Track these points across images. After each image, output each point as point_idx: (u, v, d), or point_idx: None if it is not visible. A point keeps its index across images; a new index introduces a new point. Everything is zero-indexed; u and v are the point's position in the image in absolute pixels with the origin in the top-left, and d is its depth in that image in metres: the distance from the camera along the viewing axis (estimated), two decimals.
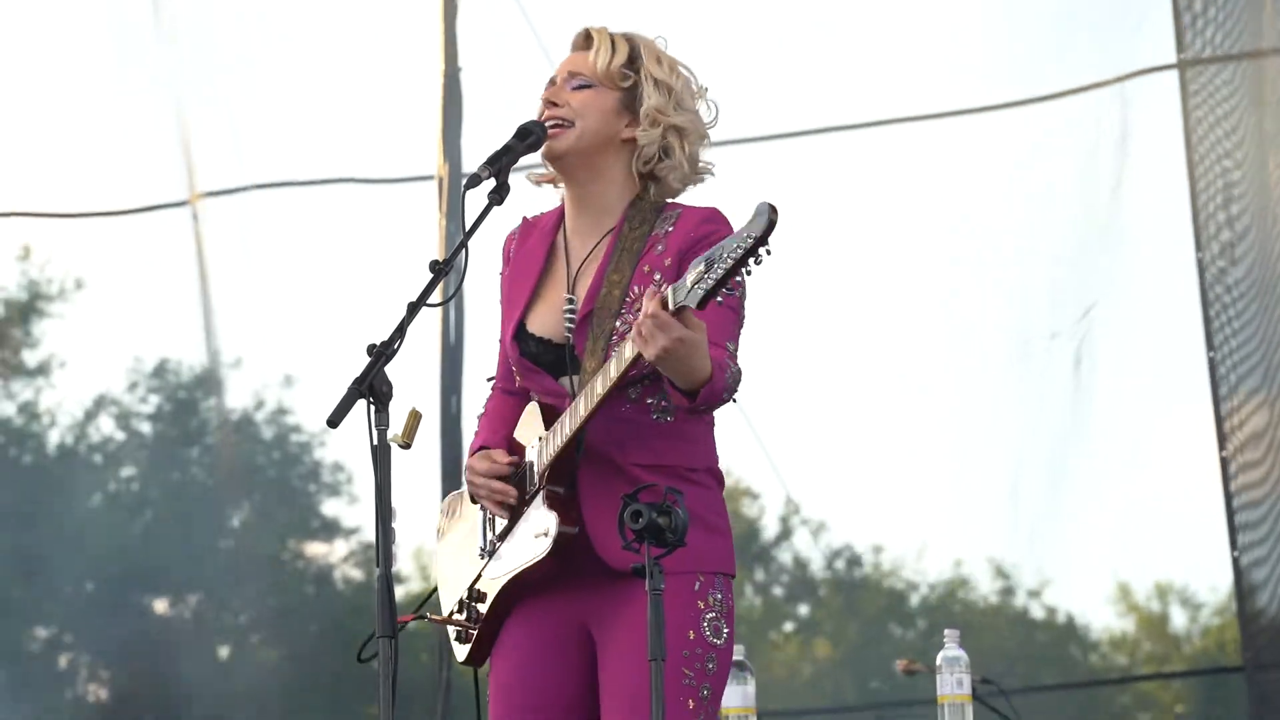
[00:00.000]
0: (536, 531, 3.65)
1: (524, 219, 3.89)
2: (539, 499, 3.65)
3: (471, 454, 3.82)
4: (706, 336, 3.43)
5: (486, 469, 3.73)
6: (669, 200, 3.75)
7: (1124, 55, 7.85)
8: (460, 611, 3.80)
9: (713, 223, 3.66)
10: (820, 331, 8.66)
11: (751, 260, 3.32)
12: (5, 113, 9.41)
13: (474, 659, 3.80)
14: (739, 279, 3.36)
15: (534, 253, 3.81)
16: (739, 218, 3.43)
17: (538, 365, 3.72)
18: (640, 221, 3.69)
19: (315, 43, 8.96)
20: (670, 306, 3.38)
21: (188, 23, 8.73)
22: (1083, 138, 8.13)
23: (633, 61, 3.74)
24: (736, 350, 3.61)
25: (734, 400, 3.58)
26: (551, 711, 3.70)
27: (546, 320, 3.74)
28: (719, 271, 3.32)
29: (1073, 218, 8.25)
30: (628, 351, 3.48)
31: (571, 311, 3.70)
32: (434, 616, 3.86)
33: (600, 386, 3.54)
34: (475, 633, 3.77)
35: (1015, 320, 8.44)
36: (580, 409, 3.58)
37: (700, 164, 3.77)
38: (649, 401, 3.63)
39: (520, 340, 3.76)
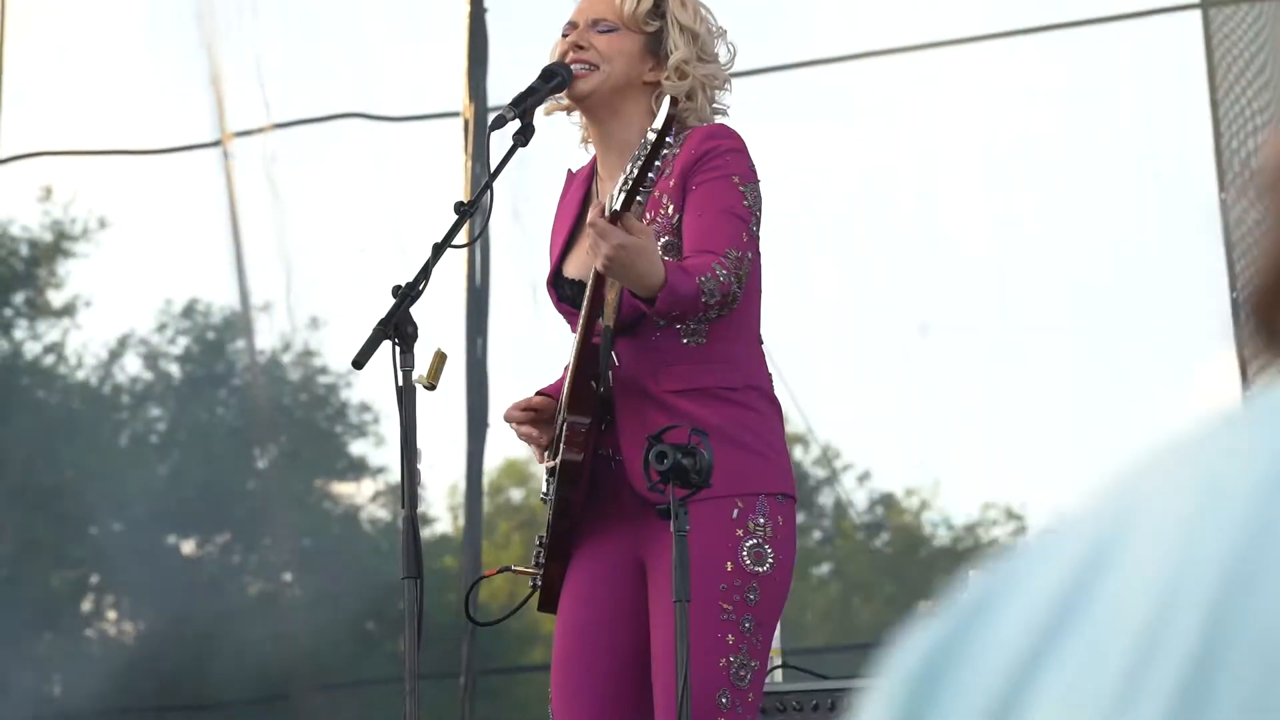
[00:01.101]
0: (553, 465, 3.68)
1: (569, 172, 3.92)
2: (562, 431, 3.68)
3: None
4: (650, 243, 3.43)
5: (508, 413, 3.77)
6: (687, 128, 3.76)
7: None
8: (535, 561, 3.83)
9: (714, 139, 3.67)
10: (842, 278, 8.63)
11: (660, 155, 3.35)
12: (30, 56, 9.41)
13: (545, 604, 3.81)
14: (651, 175, 3.36)
15: (571, 201, 3.85)
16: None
17: (574, 308, 3.74)
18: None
19: None
20: (606, 213, 3.40)
21: None
22: (1104, 75, 8.09)
23: (658, 5, 3.74)
24: (741, 255, 3.58)
25: (721, 310, 3.55)
26: (616, 648, 3.71)
27: (581, 262, 3.76)
28: (634, 172, 3.34)
29: (1099, 156, 8.22)
30: (592, 269, 3.53)
31: None
32: (517, 567, 3.89)
33: (584, 309, 3.57)
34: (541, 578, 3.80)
35: (1040, 267, 8.41)
36: (576, 336, 3.61)
37: (715, 105, 3.78)
38: (678, 326, 3.63)
39: (557, 285, 3.78)
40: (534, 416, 3.72)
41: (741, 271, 3.55)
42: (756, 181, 3.63)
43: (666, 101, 3.32)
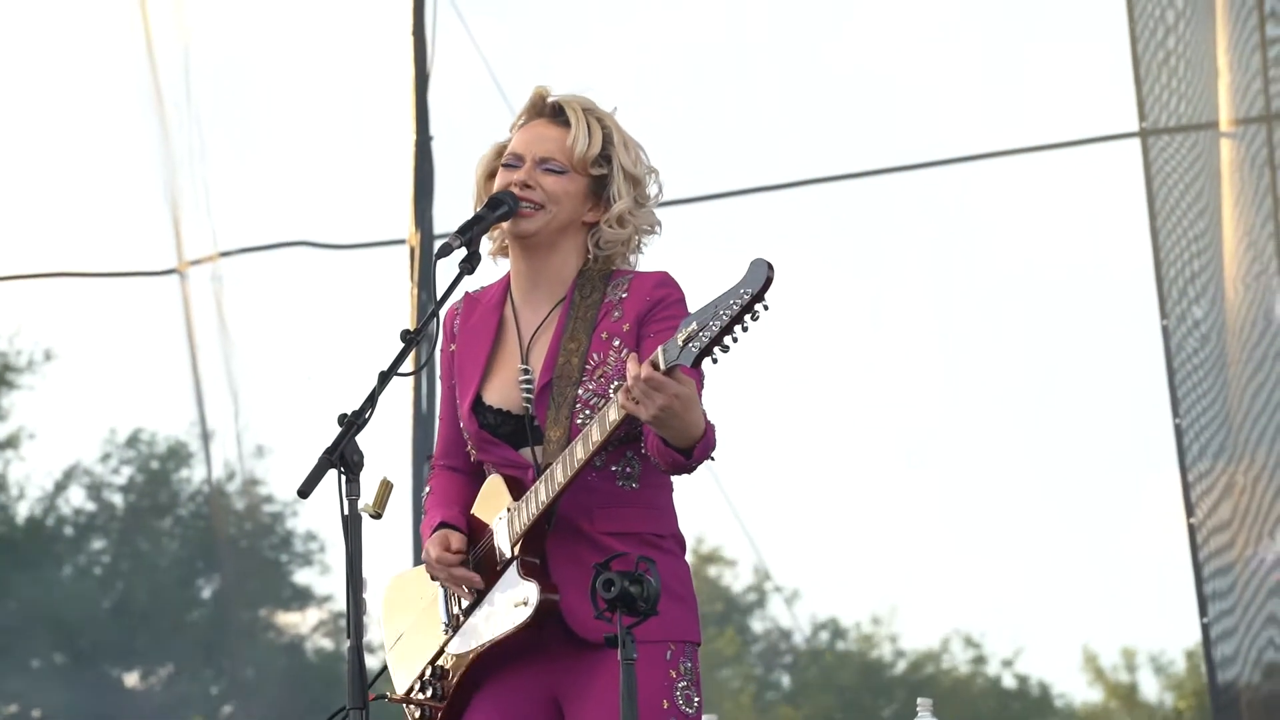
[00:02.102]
0: (515, 601, 3.64)
1: (466, 294, 3.90)
2: (513, 569, 3.65)
3: (427, 533, 3.81)
4: (696, 394, 3.44)
5: (438, 555, 3.73)
6: (614, 268, 3.78)
7: (1086, 123, 7.94)
8: (422, 690, 3.79)
9: (665, 286, 3.69)
10: (793, 401, 8.68)
11: (748, 317, 3.34)
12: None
13: None
14: (735, 337, 3.36)
15: (482, 326, 3.82)
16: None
17: (496, 437, 3.72)
18: (590, 290, 3.71)
19: (288, 113, 9.00)
20: (662, 366, 3.40)
21: (173, 91, 8.78)
22: (1046, 203, 8.19)
23: (605, 148, 3.77)
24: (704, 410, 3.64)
25: (711, 458, 3.60)
26: None
27: (502, 392, 3.75)
28: (714, 329, 3.35)
29: (1041, 282, 8.30)
30: (613, 414, 3.50)
31: (528, 382, 3.70)
32: (393, 696, 3.84)
33: (582, 451, 3.56)
34: (441, 709, 3.76)
35: (987, 391, 8.47)
36: (558, 475, 3.59)
37: (641, 242, 3.82)
38: (614, 469, 3.65)
39: (478, 412, 3.77)
40: (462, 561, 3.71)
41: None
42: None
43: (763, 266, 3.30)
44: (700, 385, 3.64)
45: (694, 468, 3.56)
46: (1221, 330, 7.44)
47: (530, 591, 3.60)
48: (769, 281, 3.32)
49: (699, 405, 3.46)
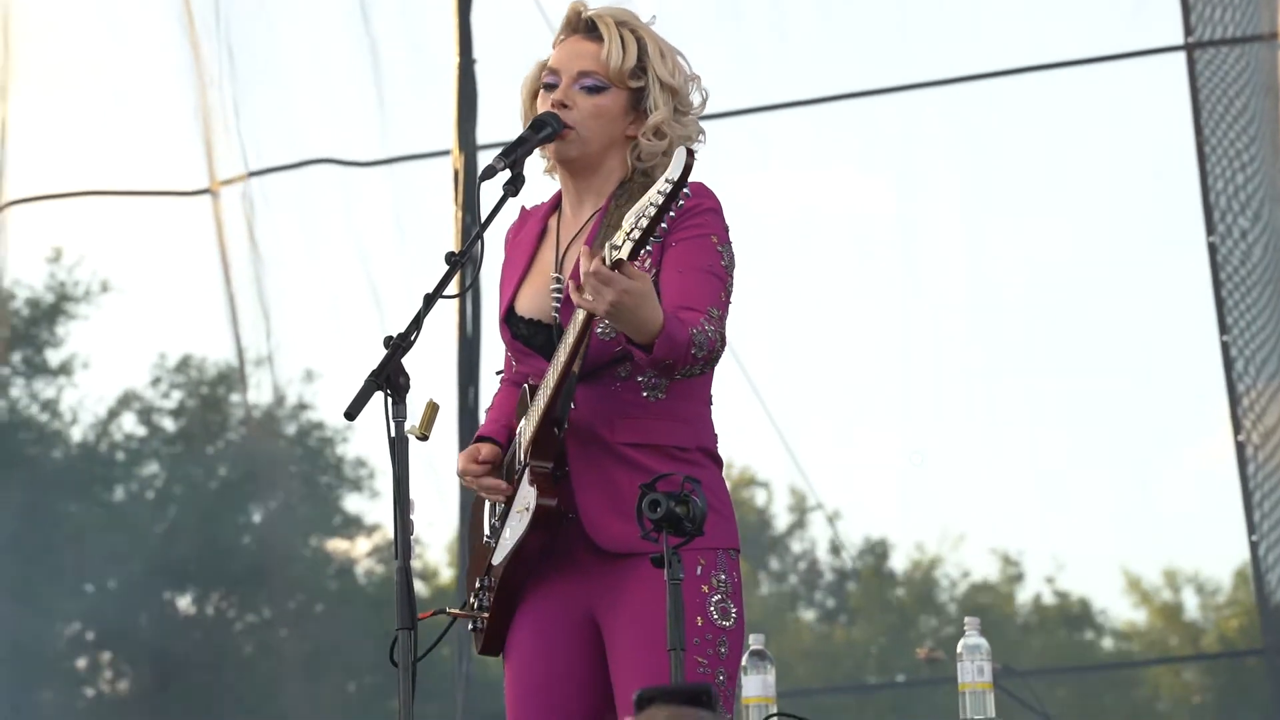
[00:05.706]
0: (520, 508, 3.67)
1: (522, 209, 3.92)
2: (525, 476, 3.67)
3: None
4: (651, 288, 3.42)
5: (463, 467, 3.75)
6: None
7: (1130, 36, 7.86)
8: (476, 603, 3.81)
9: (695, 197, 3.67)
10: (832, 318, 8.66)
11: (675, 205, 3.34)
12: (30, 102, 9.45)
13: (488, 648, 3.80)
14: (663, 225, 3.37)
15: (527, 239, 3.83)
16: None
17: (529, 347, 3.74)
18: (626, 199, 3.71)
19: (330, 35, 8.99)
20: (608, 260, 3.40)
21: (208, 17, 8.79)
22: (1089, 118, 8.13)
23: (640, 59, 3.76)
24: (722, 315, 3.61)
25: (706, 366, 3.56)
26: (566, 699, 3.70)
27: (535, 301, 3.76)
28: (644, 221, 3.35)
29: (1084, 199, 8.25)
30: (579, 315, 3.51)
31: (559, 290, 3.71)
32: (452, 610, 3.86)
33: (563, 356, 3.57)
34: (485, 619, 3.78)
35: (1027, 307, 8.44)
36: (550, 382, 3.61)
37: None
38: (639, 379, 3.64)
39: (510, 323, 3.78)
40: (490, 470, 3.72)
41: (723, 330, 3.58)
42: (731, 243, 3.66)
43: (683, 153, 3.31)
44: (724, 291, 3.63)
45: (667, 365, 3.51)
46: (1271, 247, 7.40)
47: (530, 498, 3.62)
48: (688, 169, 3.32)
49: (653, 300, 3.43)
